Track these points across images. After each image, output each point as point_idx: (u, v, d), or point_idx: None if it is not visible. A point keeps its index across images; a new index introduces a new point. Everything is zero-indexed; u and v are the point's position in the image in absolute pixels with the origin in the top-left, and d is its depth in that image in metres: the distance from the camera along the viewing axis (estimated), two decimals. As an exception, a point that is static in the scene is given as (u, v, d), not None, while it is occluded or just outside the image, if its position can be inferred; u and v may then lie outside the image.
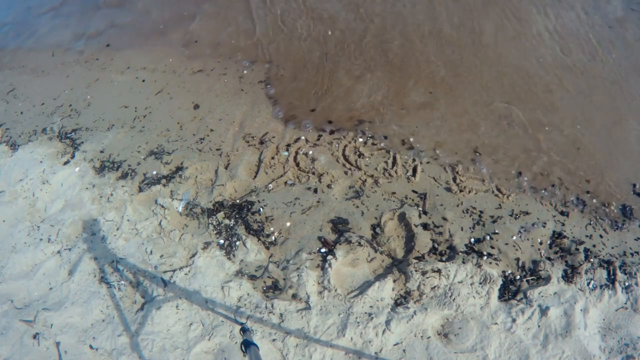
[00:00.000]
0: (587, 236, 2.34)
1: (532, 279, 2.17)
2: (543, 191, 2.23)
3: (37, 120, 3.52)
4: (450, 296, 2.07)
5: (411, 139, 2.80)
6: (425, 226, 2.37)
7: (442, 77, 3.22)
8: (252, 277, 2.24)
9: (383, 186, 2.59)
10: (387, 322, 1.99)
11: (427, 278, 2.13)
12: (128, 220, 2.57)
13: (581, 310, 2.03)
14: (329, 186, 2.60)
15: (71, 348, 2.09)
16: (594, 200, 2.48)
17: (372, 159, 2.74)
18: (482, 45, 3.43)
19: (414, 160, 2.71)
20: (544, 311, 2.01)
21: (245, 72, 3.49)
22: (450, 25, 3.62)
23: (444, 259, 2.24)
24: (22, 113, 3.66)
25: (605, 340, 1.98)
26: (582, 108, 2.94)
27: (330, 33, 3.58)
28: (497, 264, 2.21)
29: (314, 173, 2.69)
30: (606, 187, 2.53)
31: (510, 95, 3.10)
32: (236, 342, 2.01)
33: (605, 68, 3.19)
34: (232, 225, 2.47)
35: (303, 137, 2.91)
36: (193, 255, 2.34)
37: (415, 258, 2.22)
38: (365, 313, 2.04)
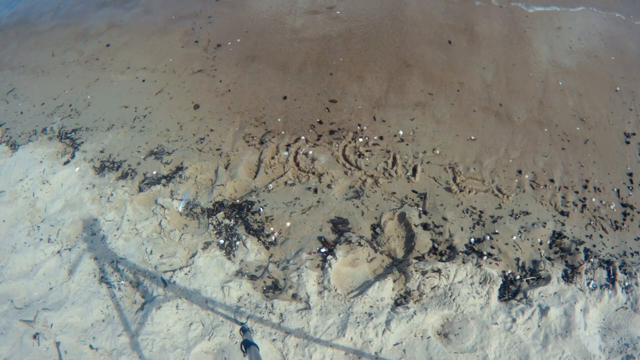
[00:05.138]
0: (587, 236, 2.34)
1: (532, 279, 2.17)
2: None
3: (37, 120, 3.52)
4: (450, 296, 2.07)
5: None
6: (425, 226, 2.37)
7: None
8: (252, 277, 2.24)
9: (383, 186, 2.59)
10: (387, 322, 1.99)
11: (427, 278, 2.12)
12: (128, 220, 2.57)
13: (581, 310, 2.03)
14: (329, 186, 2.60)
15: (71, 348, 2.09)
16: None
17: (372, 159, 2.74)
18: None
19: (414, 159, 2.71)
20: (544, 311, 2.01)
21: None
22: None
23: (444, 259, 2.24)
24: (22, 113, 3.66)
25: (605, 340, 1.98)
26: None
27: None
28: (497, 264, 2.21)
29: (314, 173, 2.69)
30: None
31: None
32: (236, 342, 2.01)
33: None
34: (232, 225, 2.47)
35: (303, 137, 2.91)
36: (193, 255, 2.34)
37: (415, 258, 2.22)
38: (365, 313, 2.04)
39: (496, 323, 2.00)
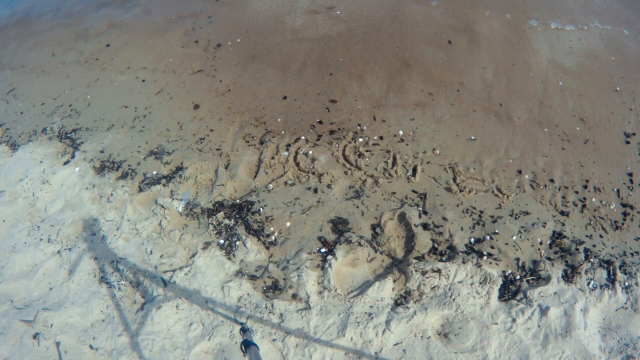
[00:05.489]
0: (587, 236, 2.34)
1: (532, 279, 2.17)
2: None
3: (37, 120, 3.52)
4: (450, 296, 2.07)
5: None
6: (425, 226, 2.37)
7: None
8: (252, 277, 2.24)
9: (383, 186, 2.59)
10: (387, 322, 1.99)
11: (427, 278, 2.12)
12: (128, 220, 2.57)
13: (581, 310, 2.03)
14: (329, 186, 2.60)
15: (71, 348, 2.09)
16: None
17: (372, 159, 2.74)
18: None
19: (414, 159, 2.71)
20: (544, 311, 2.01)
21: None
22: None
23: (444, 259, 2.24)
24: (22, 113, 3.66)
25: (605, 340, 1.98)
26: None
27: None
28: (497, 264, 2.21)
29: (314, 173, 2.69)
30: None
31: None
32: (236, 342, 2.01)
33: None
34: (232, 225, 2.47)
35: (303, 137, 2.91)
36: (193, 255, 2.34)
37: (415, 258, 2.22)
38: (365, 313, 2.04)
39: (496, 323, 2.00)
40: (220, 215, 2.50)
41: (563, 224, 2.38)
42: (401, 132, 2.89)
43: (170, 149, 2.97)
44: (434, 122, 2.95)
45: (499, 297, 2.10)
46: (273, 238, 2.40)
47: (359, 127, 2.95)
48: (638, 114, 3.01)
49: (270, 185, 2.64)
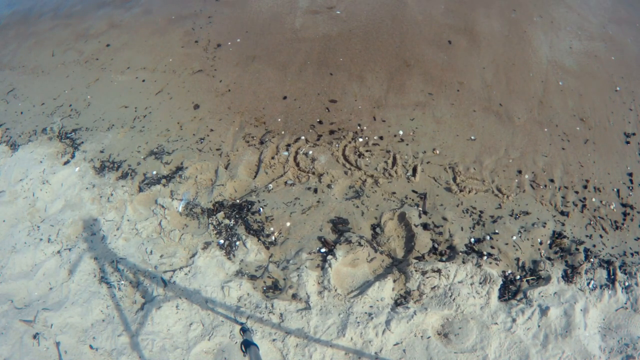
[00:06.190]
0: (587, 236, 2.34)
1: (532, 279, 2.17)
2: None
3: (37, 120, 3.52)
4: (450, 296, 2.07)
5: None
6: (425, 226, 2.37)
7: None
8: (252, 277, 2.24)
9: (383, 186, 2.59)
10: (387, 322, 1.99)
11: (427, 278, 2.12)
12: (128, 220, 2.57)
13: (581, 310, 2.03)
14: (329, 186, 2.60)
15: (71, 348, 2.09)
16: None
17: (372, 159, 2.74)
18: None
19: (414, 159, 2.71)
20: (544, 311, 2.01)
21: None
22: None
23: (444, 259, 2.24)
24: (22, 113, 3.66)
25: (605, 340, 1.98)
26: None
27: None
28: (497, 264, 2.21)
29: (314, 173, 2.69)
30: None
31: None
32: (236, 342, 2.01)
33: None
34: (232, 225, 2.47)
35: (303, 137, 2.91)
36: (193, 255, 2.34)
37: (415, 258, 2.22)
38: (365, 313, 2.04)
39: (496, 323, 2.00)
40: (220, 215, 2.50)
41: (563, 224, 2.38)
42: (401, 132, 2.89)
43: (170, 149, 2.97)
44: (434, 122, 2.95)
45: (499, 297, 2.10)
46: (273, 238, 2.40)
47: (359, 127, 2.95)
48: (638, 114, 3.01)
49: (270, 185, 2.64)
